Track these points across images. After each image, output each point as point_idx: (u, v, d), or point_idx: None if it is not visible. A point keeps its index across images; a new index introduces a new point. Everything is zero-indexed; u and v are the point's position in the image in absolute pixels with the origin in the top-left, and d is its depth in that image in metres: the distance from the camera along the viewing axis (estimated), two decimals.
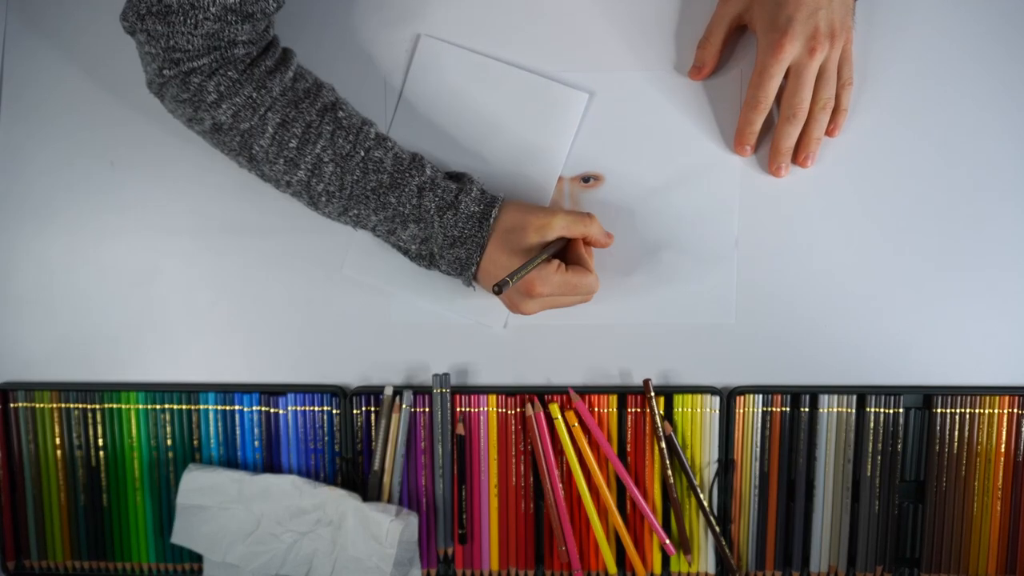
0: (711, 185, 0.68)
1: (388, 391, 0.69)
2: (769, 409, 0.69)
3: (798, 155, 0.67)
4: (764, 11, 0.63)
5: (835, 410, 0.68)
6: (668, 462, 0.68)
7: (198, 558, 0.72)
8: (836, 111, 0.66)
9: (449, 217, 0.62)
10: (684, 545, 0.69)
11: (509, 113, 0.68)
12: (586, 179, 0.69)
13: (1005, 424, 0.68)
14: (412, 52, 0.69)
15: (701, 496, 0.68)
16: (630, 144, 0.69)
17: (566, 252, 0.64)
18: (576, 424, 0.68)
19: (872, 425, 0.68)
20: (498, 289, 0.55)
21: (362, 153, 0.62)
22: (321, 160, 0.62)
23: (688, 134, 0.68)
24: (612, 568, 0.70)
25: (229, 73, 0.59)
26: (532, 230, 0.62)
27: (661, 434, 0.68)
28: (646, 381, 0.68)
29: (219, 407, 0.71)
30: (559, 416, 0.68)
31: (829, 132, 0.67)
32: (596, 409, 0.69)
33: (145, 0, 0.56)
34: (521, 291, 0.61)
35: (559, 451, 0.69)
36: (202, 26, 0.56)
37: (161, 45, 0.57)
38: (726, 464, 0.69)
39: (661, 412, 0.68)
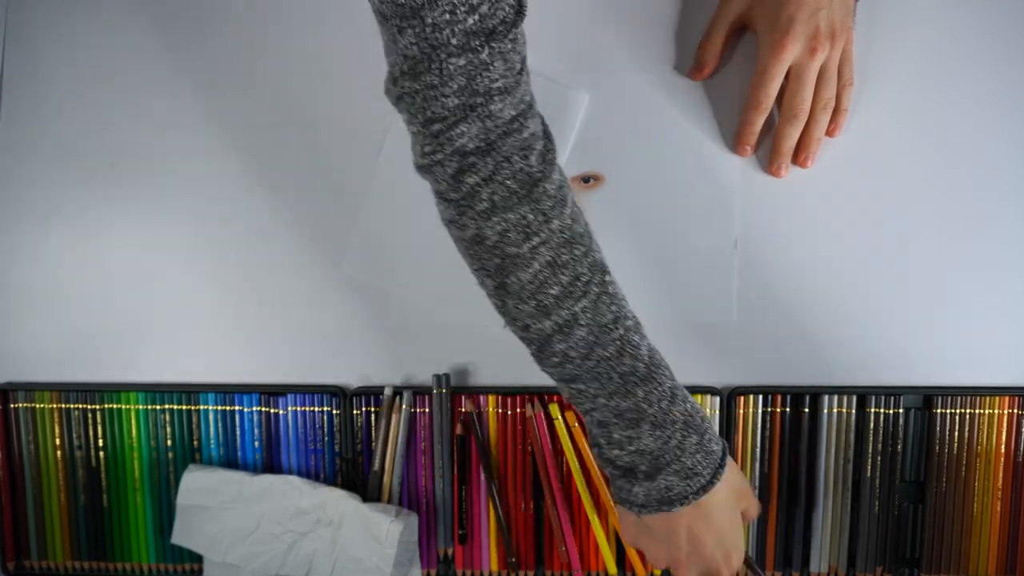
0: (711, 185, 0.68)
1: (388, 391, 0.69)
2: (769, 409, 0.69)
3: (798, 155, 0.67)
4: (765, 11, 0.63)
5: (835, 410, 0.68)
6: None
7: (198, 558, 0.72)
8: (837, 111, 0.66)
9: (692, 441, 0.54)
10: None
11: None
12: (586, 179, 0.69)
13: (1005, 424, 0.68)
14: None
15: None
16: (630, 144, 0.69)
17: None
18: (576, 424, 0.68)
19: (872, 425, 0.68)
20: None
21: (621, 331, 0.53)
22: (576, 320, 0.52)
23: (688, 134, 0.68)
24: (612, 568, 0.70)
25: (507, 183, 0.51)
26: (736, 509, 0.57)
27: None
28: None
29: (219, 407, 0.71)
30: (559, 416, 0.68)
31: (829, 132, 0.67)
32: None
33: (396, 62, 0.49)
34: (712, 556, 0.55)
35: (559, 451, 0.69)
36: (447, 67, 0.47)
37: (420, 118, 0.50)
38: None
39: None
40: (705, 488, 0.54)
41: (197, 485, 0.69)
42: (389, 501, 0.70)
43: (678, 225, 0.69)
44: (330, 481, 0.71)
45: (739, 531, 0.57)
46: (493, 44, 0.48)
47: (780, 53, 0.62)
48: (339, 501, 0.68)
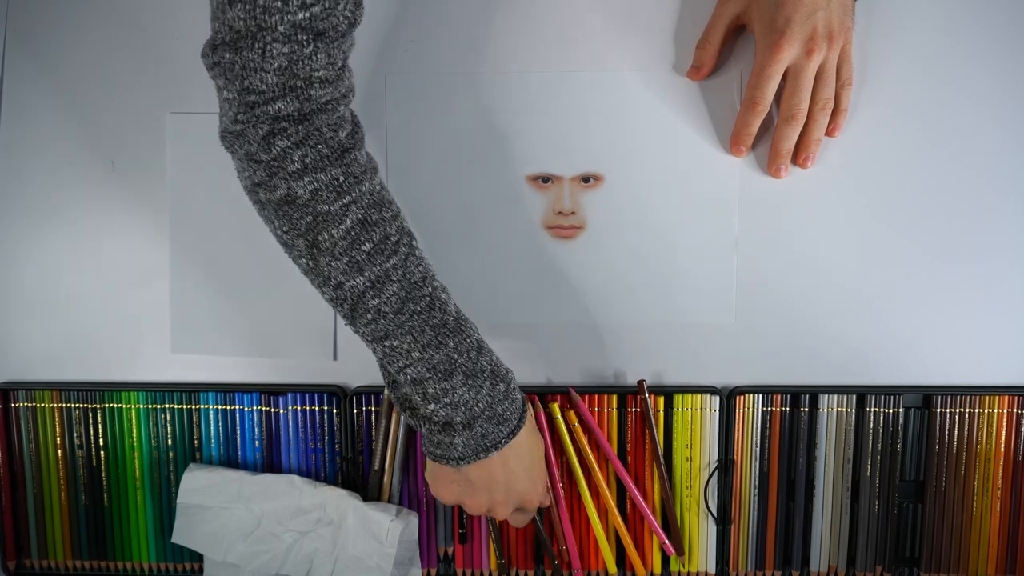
0: (711, 185, 0.69)
1: (388, 391, 0.69)
2: (769, 409, 0.69)
3: (798, 156, 0.67)
4: (762, 12, 0.63)
5: (835, 410, 0.68)
6: (663, 465, 0.68)
7: (198, 558, 0.72)
8: (836, 111, 0.66)
9: (500, 389, 0.59)
10: (676, 540, 0.69)
11: None
12: (586, 179, 0.69)
13: (1005, 424, 0.68)
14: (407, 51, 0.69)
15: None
16: (630, 144, 0.69)
17: None
18: (576, 424, 0.68)
19: (872, 425, 0.68)
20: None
21: (430, 289, 0.57)
22: (388, 276, 0.56)
23: (687, 134, 0.68)
24: (612, 568, 0.70)
25: (319, 147, 0.53)
26: (539, 455, 0.64)
27: (656, 435, 0.68)
28: (640, 382, 0.68)
29: (219, 407, 0.71)
30: (559, 416, 0.68)
31: (829, 132, 0.67)
32: (596, 409, 0.69)
33: (220, 31, 0.50)
34: (515, 492, 0.62)
35: (559, 451, 0.69)
36: (271, 50, 0.49)
37: (236, 87, 0.51)
38: (726, 464, 0.69)
39: (653, 413, 0.68)
40: (515, 432, 0.60)
41: (197, 484, 0.69)
42: (389, 500, 0.70)
43: (678, 225, 0.69)
44: (330, 480, 0.71)
45: (541, 461, 0.64)
46: (319, 43, 0.50)
47: (777, 54, 0.62)
48: (339, 500, 0.68)
